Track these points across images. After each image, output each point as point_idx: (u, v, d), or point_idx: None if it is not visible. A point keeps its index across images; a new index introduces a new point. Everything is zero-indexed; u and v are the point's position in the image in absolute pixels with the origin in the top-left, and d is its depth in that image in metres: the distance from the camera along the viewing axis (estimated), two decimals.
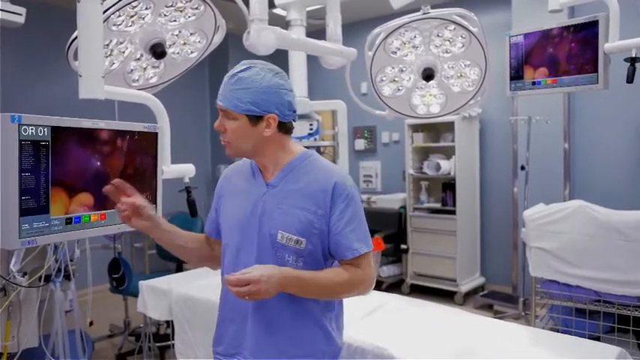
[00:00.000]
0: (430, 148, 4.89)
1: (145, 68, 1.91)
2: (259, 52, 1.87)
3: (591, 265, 2.86)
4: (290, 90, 1.31)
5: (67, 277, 2.21)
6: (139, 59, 1.86)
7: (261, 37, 1.84)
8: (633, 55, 1.90)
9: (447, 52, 2.25)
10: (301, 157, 1.35)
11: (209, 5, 1.78)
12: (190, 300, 2.53)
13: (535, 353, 1.82)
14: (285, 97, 1.28)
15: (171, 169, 1.78)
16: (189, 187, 1.87)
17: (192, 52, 1.95)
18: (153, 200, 1.65)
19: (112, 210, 1.48)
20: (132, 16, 1.69)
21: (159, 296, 2.70)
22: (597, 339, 2.65)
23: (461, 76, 2.30)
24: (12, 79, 4.12)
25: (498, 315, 4.05)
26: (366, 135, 5.65)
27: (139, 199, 1.28)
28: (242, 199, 1.36)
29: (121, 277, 3.23)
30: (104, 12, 1.49)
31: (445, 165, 4.60)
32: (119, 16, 1.64)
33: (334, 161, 2.75)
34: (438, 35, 2.21)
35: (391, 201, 5.00)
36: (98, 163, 1.44)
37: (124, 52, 1.80)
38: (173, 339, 2.67)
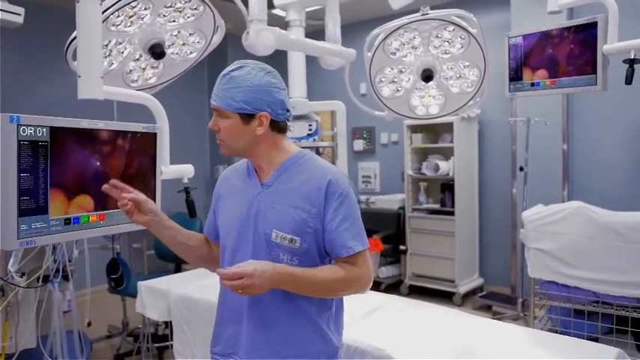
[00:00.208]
0: (429, 149, 4.89)
1: (144, 68, 1.90)
2: (258, 52, 1.87)
3: (590, 266, 2.86)
4: (282, 89, 1.31)
5: (66, 277, 2.20)
6: (137, 59, 1.86)
7: (260, 37, 1.84)
8: (632, 57, 1.90)
9: (446, 53, 2.25)
10: (296, 157, 1.35)
11: (208, 6, 1.78)
12: (189, 300, 2.53)
13: (534, 354, 1.82)
14: (277, 96, 1.29)
15: (170, 169, 1.78)
16: (188, 187, 1.87)
17: (191, 53, 1.95)
18: (152, 200, 1.64)
19: (111, 210, 1.48)
20: (131, 17, 1.69)
21: (157, 297, 2.70)
22: (596, 340, 2.65)
23: (460, 77, 2.30)
24: (11, 79, 4.11)
25: (497, 316, 4.05)
26: (364, 136, 5.65)
27: (139, 195, 1.31)
28: (238, 199, 1.37)
29: (120, 278, 3.23)
30: (103, 12, 1.49)
31: (444, 166, 4.60)
32: (118, 16, 1.63)
33: (333, 162, 2.75)
34: (437, 36, 2.21)
35: (390, 202, 5.00)
36: (97, 163, 1.44)
37: (123, 52, 1.80)
38: (171, 339, 2.67)
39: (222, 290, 1.40)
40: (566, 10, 2.31)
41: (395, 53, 2.31)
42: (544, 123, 3.93)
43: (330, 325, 1.36)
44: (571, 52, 2.08)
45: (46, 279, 2.08)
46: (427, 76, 2.24)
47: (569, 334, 2.45)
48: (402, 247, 4.85)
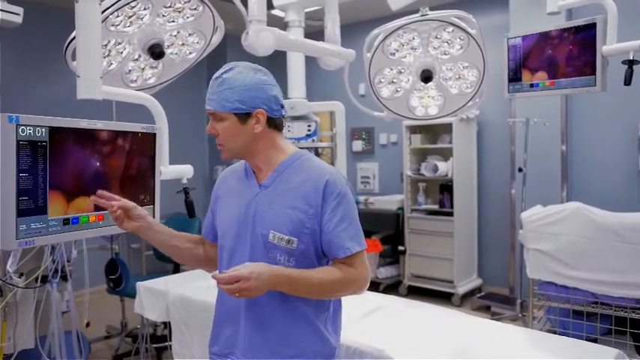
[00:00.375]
0: (428, 150, 4.89)
1: (143, 69, 1.90)
2: (258, 52, 1.87)
3: (588, 267, 2.86)
4: (275, 85, 1.32)
5: (64, 277, 2.20)
6: (137, 60, 1.86)
7: (259, 37, 1.84)
8: (631, 58, 1.90)
9: (445, 53, 2.26)
10: (293, 157, 1.36)
11: (207, 6, 1.78)
12: (187, 301, 2.52)
13: (532, 355, 1.82)
14: (270, 92, 1.30)
15: (169, 170, 1.78)
16: (187, 188, 1.87)
17: (190, 53, 1.95)
18: (151, 201, 1.64)
19: None
20: (130, 17, 1.68)
21: (156, 297, 2.70)
22: (594, 341, 2.65)
23: (459, 77, 2.30)
24: (10, 79, 4.09)
25: (496, 316, 4.04)
26: (363, 136, 5.66)
27: (127, 202, 1.33)
28: (236, 200, 1.38)
29: (118, 278, 3.23)
30: (102, 12, 1.49)
31: (443, 166, 4.60)
32: (117, 16, 1.63)
33: (332, 162, 2.75)
34: (436, 37, 2.21)
35: (389, 202, 5.00)
36: (96, 164, 1.44)
37: (122, 52, 1.80)
38: (170, 340, 2.66)
39: (220, 291, 1.40)
40: (565, 11, 2.31)
41: (394, 54, 2.31)
42: (543, 124, 3.93)
43: (328, 325, 1.36)
44: (570, 53, 2.08)
45: (44, 279, 2.07)
46: (426, 76, 2.25)
47: (567, 335, 2.45)
48: (400, 248, 4.85)
